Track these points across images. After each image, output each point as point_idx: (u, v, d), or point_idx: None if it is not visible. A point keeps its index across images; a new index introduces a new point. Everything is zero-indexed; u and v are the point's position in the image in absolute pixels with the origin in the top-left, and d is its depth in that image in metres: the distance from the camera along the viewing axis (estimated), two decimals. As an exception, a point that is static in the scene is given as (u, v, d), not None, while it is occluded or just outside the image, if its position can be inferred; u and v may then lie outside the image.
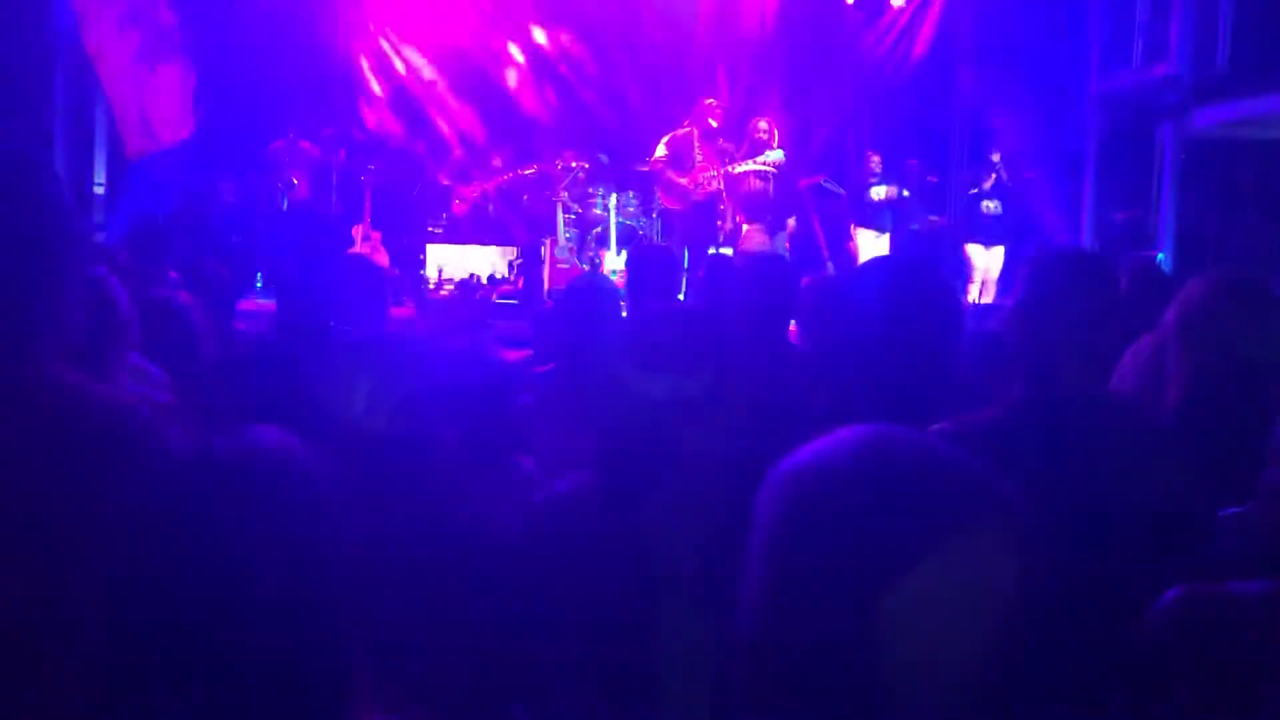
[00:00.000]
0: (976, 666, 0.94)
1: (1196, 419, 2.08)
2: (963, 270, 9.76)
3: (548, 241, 9.85)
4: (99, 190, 9.21)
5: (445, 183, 10.48)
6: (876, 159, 10.14)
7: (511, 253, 10.20)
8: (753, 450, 1.57)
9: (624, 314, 3.67)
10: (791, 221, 9.93)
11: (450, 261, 10.00)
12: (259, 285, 8.69)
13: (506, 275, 10.00)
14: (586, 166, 10.26)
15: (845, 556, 0.94)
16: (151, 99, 8.07)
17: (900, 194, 10.03)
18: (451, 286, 9.54)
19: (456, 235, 10.37)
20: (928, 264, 2.23)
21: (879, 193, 10.00)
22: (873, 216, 10.04)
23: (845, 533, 0.94)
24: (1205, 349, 2.02)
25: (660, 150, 9.56)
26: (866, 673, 0.93)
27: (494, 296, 9.27)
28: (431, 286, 9.67)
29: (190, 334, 3.03)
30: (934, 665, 0.93)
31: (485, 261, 10.07)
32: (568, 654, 1.48)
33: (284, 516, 1.08)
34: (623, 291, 5.43)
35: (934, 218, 10.31)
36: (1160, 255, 9.04)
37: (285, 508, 1.09)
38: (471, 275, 9.75)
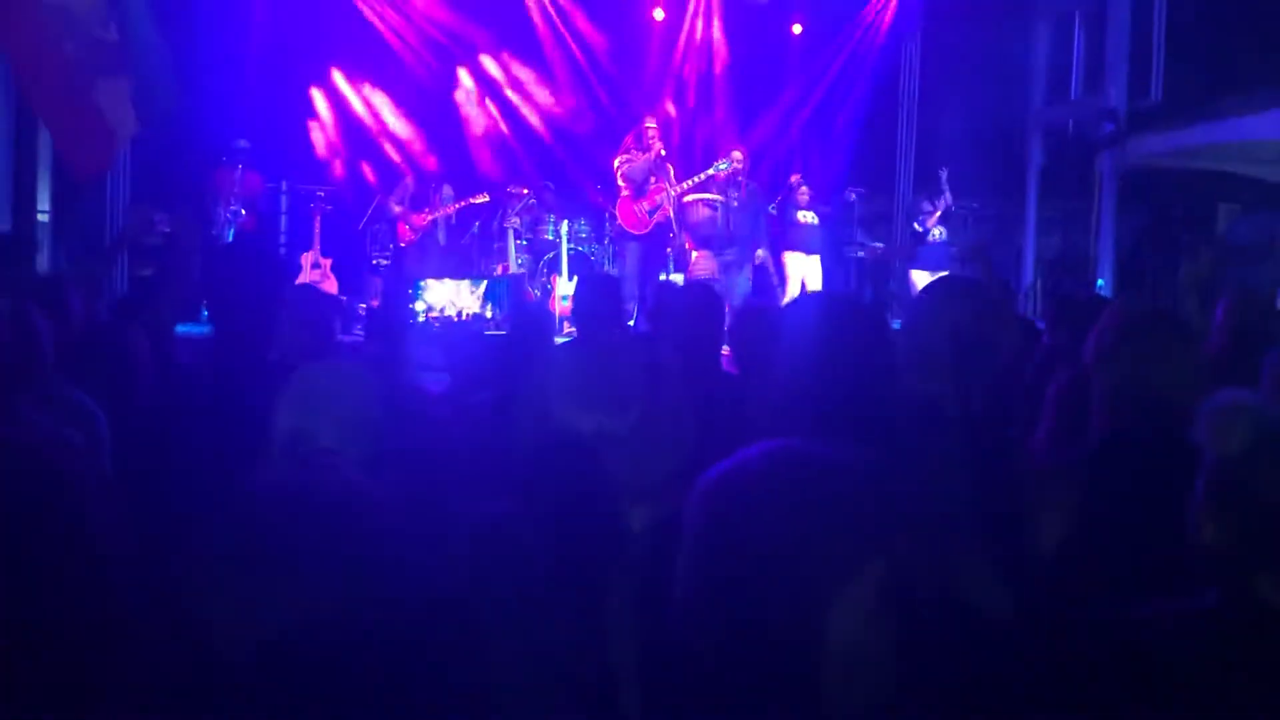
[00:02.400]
0: (894, 665, 0.97)
1: (1118, 450, 2.12)
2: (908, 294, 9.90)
3: (499, 268, 9.87)
4: (43, 218, 9.10)
5: (396, 210, 10.47)
6: (804, 188, 10.28)
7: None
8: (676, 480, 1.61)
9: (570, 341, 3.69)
10: (761, 252, 10.00)
11: (440, 296, 9.88)
12: (204, 315, 8.63)
13: (499, 312, 9.89)
14: (537, 193, 10.32)
15: (758, 564, 0.97)
16: (92, 115, 7.94)
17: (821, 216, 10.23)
18: (438, 325, 9.43)
19: (441, 269, 10.30)
20: (858, 295, 2.29)
21: (806, 217, 10.18)
22: (800, 240, 10.20)
23: (758, 542, 0.98)
24: (1118, 380, 2.07)
25: (619, 179, 9.66)
26: (791, 672, 0.96)
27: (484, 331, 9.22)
28: (420, 321, 9.59)
29: (129, 364, 3.01)
30: (851, 663, 0.96)
31: (474, 298, 9.96)
32: (492, 676, 1.51)
33: (354, 547, 1.11)
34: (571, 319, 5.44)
35: (878, 244, 10.46)
36: (1100, 282, 9.24)
37: (354, 538, 1.12)
38: (459, 313, 9.65)
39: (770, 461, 1.02)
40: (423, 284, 9.88)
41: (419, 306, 9.66)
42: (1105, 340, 2.09)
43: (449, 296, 9.81)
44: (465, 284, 9.97)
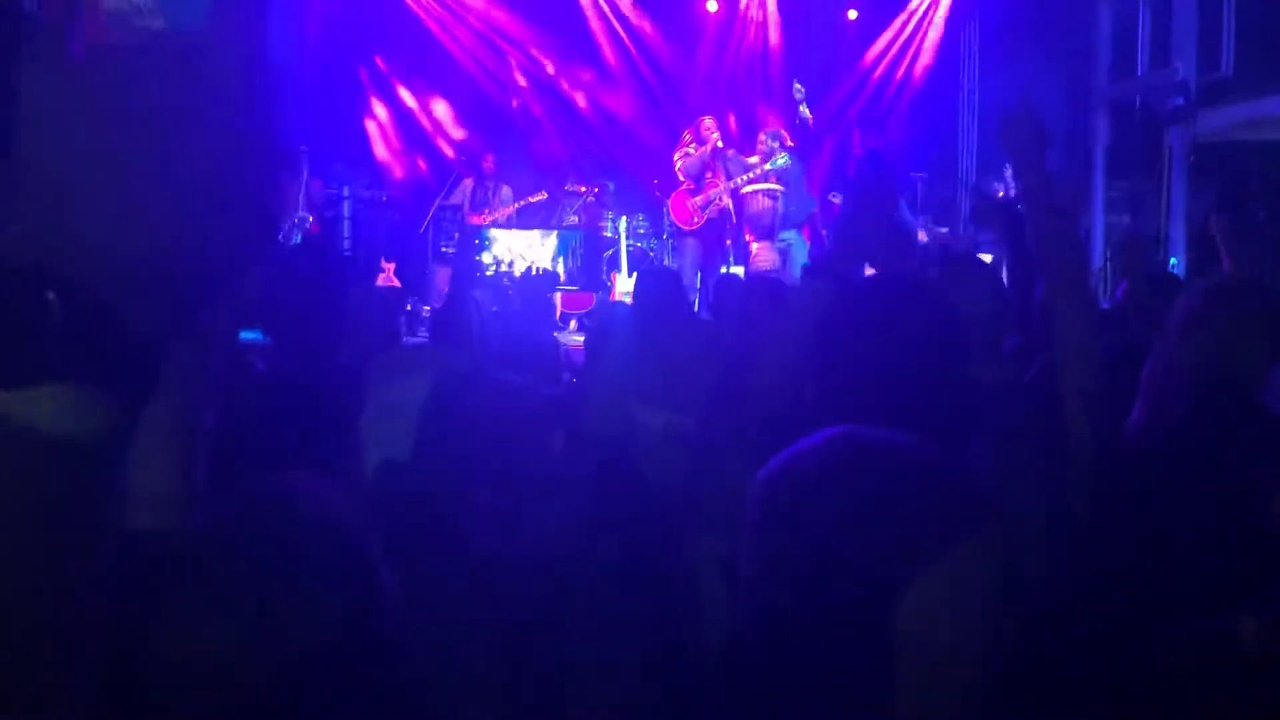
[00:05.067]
0: (969, 664, 0.93)
1: (1201, 428, 2.07)
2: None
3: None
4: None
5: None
6: None
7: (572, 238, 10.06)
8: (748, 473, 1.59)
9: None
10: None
11: (509, 250, 9.82)
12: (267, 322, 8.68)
13: (572, 265, 9.85)
14: (596, 191, 10.33)
15: (822, 557, 0.94)
16: None
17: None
18: (508, 281, 9.42)
19: (514, 222, 10.26)
20: (922, 280, 2.22)
21: None
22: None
23: (820, 533, 0.94)
24: (1203, 356, 2.02)
25: (679, 175, 9.64)
26: (857, 672, 0.93)
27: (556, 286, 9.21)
28: (490, 275, 9.57)
29: (241, 370, 3.05)
30: (922, 663, 0.92)
31: (546, 250, 9.89)
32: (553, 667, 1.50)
33: (327, 566, 1.06)
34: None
35: (943, 229, 10.31)
36: (1173, 260, 9.01)
37: (328, 557, 1.06)
38: (531, 266, 9.61)
39: (831, 449, 0.99)
40: (490, 235, 9.82)
41: (486, 259, 9.66)
42: (1187, 314, 2.04)
43: (519, 249, 9.78)
44: (535, 234, 9.92)
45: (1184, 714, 1.37)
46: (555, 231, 10.04)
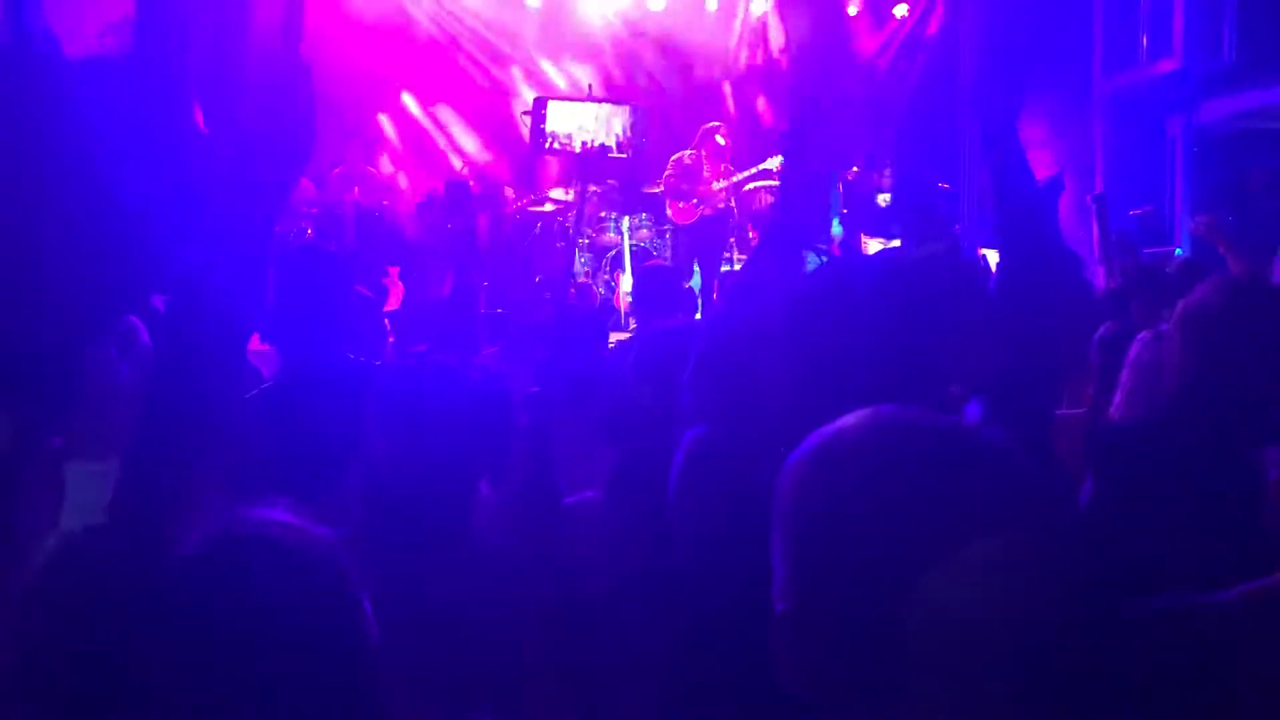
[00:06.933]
0: (1010, 651, 0.92)
1: (1192, 410, 2.07)
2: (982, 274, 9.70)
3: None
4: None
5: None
6: (887, 170, 10.16)
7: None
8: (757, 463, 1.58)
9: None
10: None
11: (568, 121, 10.27)
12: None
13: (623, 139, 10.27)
14: (598, 191, 10.31)
15: (862, 537, 0.93)
16: None
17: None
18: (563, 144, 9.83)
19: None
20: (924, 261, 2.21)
21: (887, 200, 10.03)
22: (881, 225, 10.04)
23: (859, 515, 0.93)
24: (1203, 345, 2.02)
25: (668, 169, 9.68)
26: (897, 653, 0.92)
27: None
28: (547, 145, 10.12)
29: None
30: (965, 642, 0.91)
31: (600, 123, 10.33)
32: (562, 653, 1.50)
33: (299, 604, 1.05)
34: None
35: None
36: (1178, 251, 8.98)
37: (299, 595, 1.05)
38: (585, 142, 10.12)
39: (865, 429, 0.97)
40: (551, 105, 10.37)
41: (547, 129, 10.19)
42: (1194, 305, 2.05)
43: (577, 121, 10.18)
44: (591, 107, 10.40)
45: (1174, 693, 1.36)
46: (608, 105, 10.57)
